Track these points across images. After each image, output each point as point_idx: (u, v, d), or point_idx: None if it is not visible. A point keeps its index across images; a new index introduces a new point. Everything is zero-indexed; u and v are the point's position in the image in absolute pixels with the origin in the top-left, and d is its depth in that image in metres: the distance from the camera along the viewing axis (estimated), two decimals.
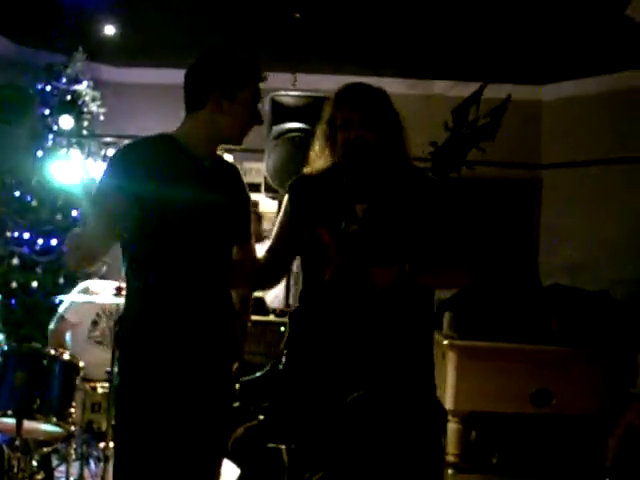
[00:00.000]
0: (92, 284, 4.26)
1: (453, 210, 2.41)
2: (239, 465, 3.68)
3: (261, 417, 2.93)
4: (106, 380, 3.61)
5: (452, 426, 4.83)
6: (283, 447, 2.44)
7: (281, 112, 4.54)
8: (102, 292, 4.06)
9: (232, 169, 2.41)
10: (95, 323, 4.06)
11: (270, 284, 2.67)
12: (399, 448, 2.28)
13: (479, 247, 2.51)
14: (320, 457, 2.05)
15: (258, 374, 3.47)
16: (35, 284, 5.93)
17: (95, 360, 3.63)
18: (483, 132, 2.16)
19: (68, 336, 4.06)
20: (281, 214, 2.52)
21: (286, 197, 2.52)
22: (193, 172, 2.24)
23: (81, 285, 4.29)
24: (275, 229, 2.53)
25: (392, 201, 2.36)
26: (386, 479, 2.30)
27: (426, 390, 2.42)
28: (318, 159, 2.45)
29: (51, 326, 4.07)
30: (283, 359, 2.48)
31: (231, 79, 2.21)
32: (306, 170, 2.50)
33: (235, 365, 2.41)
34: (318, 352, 2.17)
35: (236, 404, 3.53)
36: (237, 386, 2.87)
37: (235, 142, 2.31)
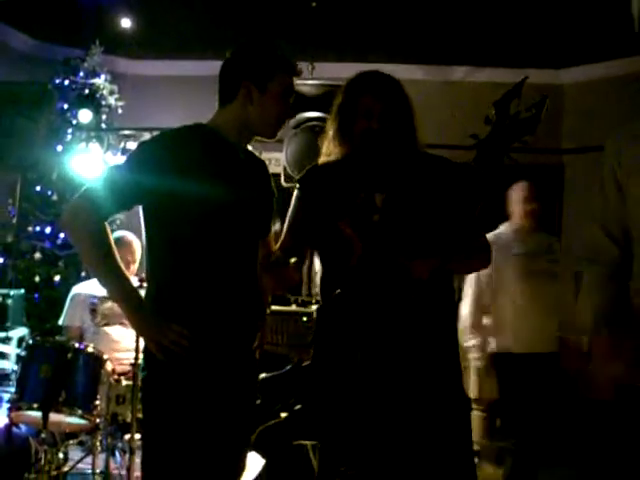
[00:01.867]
0: (78, 288, 4.39)
1: (472, 195, 2.38)
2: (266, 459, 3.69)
3: (284, 414, 2.92)
4: (124, 373, 3.68)
5: (477, 414, 4.82)
6: (309, 444, 2.42)
7: (300, 101, 4.52)
8: (90, 286, 4.18)
9: (262, 163, 2.41)
10: (93, 311, 4.12)
11: (289, 284, 2.60)
12: (430, 441, 2.25)
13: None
14: (353, 452, 2.02)
15: (279, 372, 3.46)
16: (58, 278, 5.98)
17: (111, 340, 3.67)
18: (525, 126, 2.10)
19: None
20: (292, 211, 2.46)
21: (296, 192, 2.47)
22: (232, 163, 2.24)
23: (72, 292, 4.38)
24: (286, 226, 2.46)
25: (410, 189, 2.32)
26: (418, 472, 2.28)
27: (455, 381, 2.39)
28: (331, 148, 2.42)
29: (63, 338, 4.15)
30: (311, 353, 2.46)
31: (261, 71, 2.20)
32: (319, 161, 2.46)
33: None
34: (351, 348, 2.13)
35: (257, 402, 3.53)
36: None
37: (267, 135, 2.29)
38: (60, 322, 4.33)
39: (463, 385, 2.45)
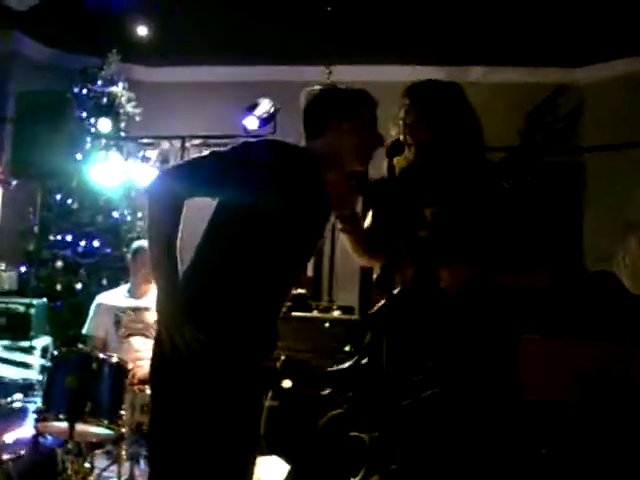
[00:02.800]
0: (103, 297, 4.37)
1: (526, 212, 2.36)
2: (321, 454, 3.68)
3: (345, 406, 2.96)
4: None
5: None
6: (366, 436, 2.43)
7: None
8: (114, 297, 4.20)
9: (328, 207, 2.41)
10: (117, 322, 4.14)
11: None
12: (473, 444, 2.25)
13: (555, 249, 2.45)
14: (396, 448, 2.03)
15: (345, 365, 3.48)
16: (79, 286, 6.01)
17: (134, 350, 3.69)
18: (561, 136, 2.11)
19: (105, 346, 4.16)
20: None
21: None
22: (321, 200, 2.26)
23: (96, 302, 4.37)
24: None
25: (461, 203, 2.30)
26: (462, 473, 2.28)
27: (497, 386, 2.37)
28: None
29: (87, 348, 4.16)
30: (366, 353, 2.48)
31: (349, 103, 2.25)
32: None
33: (280, 361, 2.42)
34: (398, 352, 2.13)
35: (326, 392, 3.54)
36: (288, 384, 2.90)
37: (358, 165, 2.30)
38: (84, 331, 4.32)
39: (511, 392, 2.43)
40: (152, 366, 2.23)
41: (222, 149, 2.24)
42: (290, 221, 2.14)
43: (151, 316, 4.01)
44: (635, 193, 6.13)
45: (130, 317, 4.08)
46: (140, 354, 4.01)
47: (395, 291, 2.25)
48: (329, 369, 2.89)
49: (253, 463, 2.31)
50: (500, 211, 2.31)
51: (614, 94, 6.47)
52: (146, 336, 4.03)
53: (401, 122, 2.35)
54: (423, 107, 2.33)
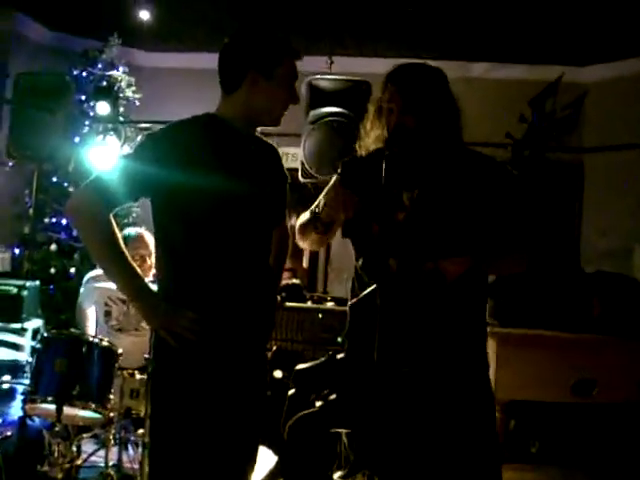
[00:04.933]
0: (93, 273, 4.34)
1: (512, 195, 2.34)
2: (294, 451, 3.67)
3: (318, 404, 2.94)
4: (140, 368, 3.65)
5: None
6: (343, 431, 2.42)
7: (318, 96, 4.50)
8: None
9: (272, 149, 2.36)
10: (108, 313, 4.10)
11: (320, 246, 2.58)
12: (458, 438, 2.27)
13: (540, 237, 2.44)
14: (379, 443, 2.02)
15: (314, 363, 3.47)
16: (73, 270, 5.98)
17: (122, 348, 3.63)
18: (563, 125, 2.11)
19: (92, 321, 4.10)
20: (330, 189, 2.47)
21: (336, 175, 2.47)
22: (242, 152, 2.20)
23: (88, 275, 4.35)
24: (323, 200, 2.45)
25: (440, 187, 2.29)
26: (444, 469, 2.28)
27: (486, 381, 2.40)
28: (368, 139, 2.40)
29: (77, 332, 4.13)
30: (345, 347, 2.46)
31: (267, 57, 2.15)
32: (358, 150, 2.44)
33: (272, 351, 2.39)
34: (381, 343, 2.11)
35: (292, 392, 3.52)
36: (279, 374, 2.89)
37: (273, 122, 2.24)
38: (78, 301, 4.28)
39: (490, 384, 2.44)
40: (153, 355, 2.22)
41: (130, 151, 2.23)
42: (209, 188, 2.08)
43: None
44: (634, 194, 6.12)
45: (122, 310, 4.03)
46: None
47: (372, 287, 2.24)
48: (297, 367, 2.88)
49: (255, 452, 2.29)
50: (480, 195, 2.29)
51: (617, 94, 6.45)
52: (137, 330, 3.99)
53: (385, 106, 2.31)
54: (408, 93, 2.29)
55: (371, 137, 2.37)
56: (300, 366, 2.85)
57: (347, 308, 2.39)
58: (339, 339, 3.82)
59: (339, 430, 2.44)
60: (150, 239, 4.17)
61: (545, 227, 2.44)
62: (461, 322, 2.30)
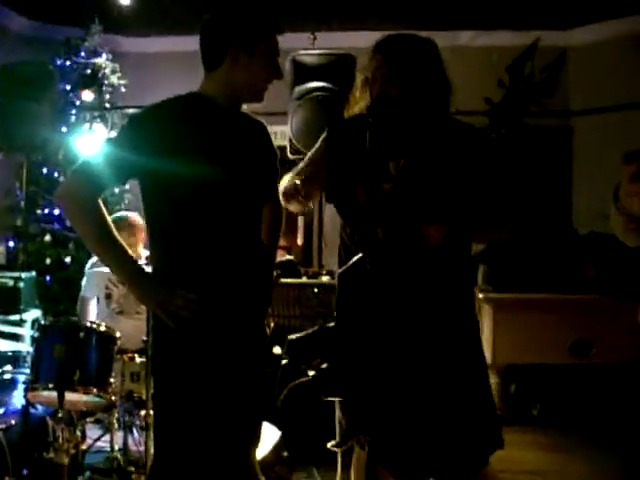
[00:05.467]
0: (95, 259, 4.33)
1: (494, 164, 2.36)
2: (287, 422, 3.71)
3: (311, 373, 2.96)
4: (139, 350, 3.67)
5: (491, 380, 4.80)
6: (337, 400, 2.45)
7: (302, 72, 4.48)
8: None
9: (259, 125, 2.34)
10: (109, 296, 4.11)
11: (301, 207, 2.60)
12: (451, 400, 2.30)
13: (523, 203, 2.46)
14: (374, 408, 2.04)
15: (305, 333, 3.49)
16: (68, 259, 5.99)
17: (122, 331, 3.66)
18: (541, 88, 2.12)
19: (93, 315, 4.11)
20: (315, 152, 2.48)
21: (323, 137, 2.47)
22: (228, 129, 2.19)
23: (90, 261, 4.36)
24: (306, 163, 2.47)
25: (426, 157, 2.30)
26: (437, 432, 2.31)
27: (477, 341, 2.45)
28: (355, 108, 2.40)
29: (74, 318, 4.15)
30: (334, 316, 2.48)
31: (248, 32, 2.13)
32: (345, 115, 2.45)
33: (270, 326, 2.40)
34: (371, 310, 2.14)
35: (284, 362, 3.54)
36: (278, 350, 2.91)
37: (256, 98, 2.23)
38: (81, 293, 4.29)
39: (481, 345, 2.48)
40: (152, 337, 2.23)
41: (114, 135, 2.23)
42: (196, 167, 2.07)
43: None
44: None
45: (121, 292, 4.04)
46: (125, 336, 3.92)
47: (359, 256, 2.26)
48: (289, 337, 2.90)
49: (259, 426, 2.31)
50: (465, 164, 2.31)
51: (603, 56, 6.44)
52: (138, 313, 4.01)
53: (370, 75, 2.32)
54: (393, 62, 2.29)
55: (359, 106, 2.38)
56: (292, 336, 2.87)
57: (336, 276, 2.41)
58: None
59: (332, 399, 2.46)
60: (140, 222, 4.17)
61: (525, 193, 2.46)
62: (447, 285, 2.34)
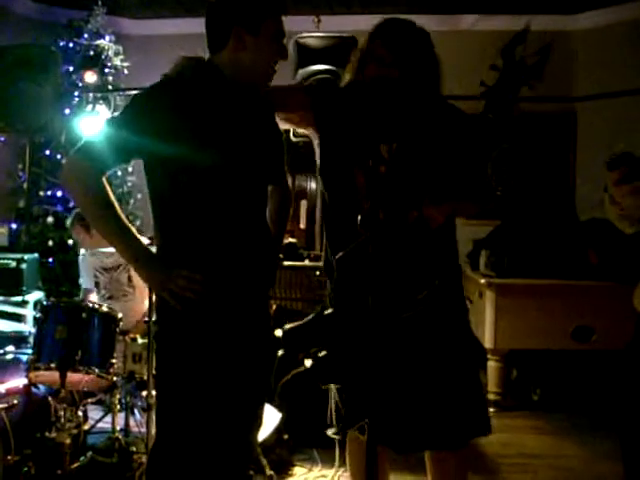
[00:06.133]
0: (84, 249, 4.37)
1: (471, 144, 2.38)
2: (288, 409, 3.72)
3: (308, 363, 2.95)
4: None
5: (492, 364, 4.83)
6: (334, 388, 2.46)
7: (306, 54, 4.45)
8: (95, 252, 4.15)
9: (268, 103, 2.31)
10: (97, 284, 4.11)
11: None
12: (439, 382, 2.34)
13: (488, 183, 2.54)
14: (371, 394, 2.05)
15: (301, 322, 3.48)
16: (71, 241, 5.99)
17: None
18: (532, 71, 2.14)
19: None
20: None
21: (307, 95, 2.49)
22: (239, 106, 2.16)
23: (80, 256, 4.38)
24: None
25: (418, 139, 2.32)
26: (428, 415, 2.34)
27: (466, 325, 2.48)
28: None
29: (77, 299, 4.18)
30: (329, 303, 2.48)
31: (253, 13, 2.10)
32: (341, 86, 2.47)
33: (272, 309, 2.40)
34: (371, 293, 2.14)
35: (280, 352, 3.54)
36: (280, 333, 2.90)
37: (262, 80, 2.19)
38: (80, 281, 4.37)
39: (471, 329, 2.50)
40: (157, 317, 2.22)
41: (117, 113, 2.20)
42: (203, 145, 2.06)
43: (123, 275, 4.01)
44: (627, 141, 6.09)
45: (107, 279, 4.04)
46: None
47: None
48: (284, 327, 2.90)
49: (261, 409, 2.31)
50: (448, 145, 2.34)
51: (608, 41, 6.40)
52: (125, 295, 4.02)
53: (367, 58, 2.33)
54: (397, 46, 2.30)
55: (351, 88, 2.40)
56: (288, 326, 2.87)
57: (334, 262, 2.40)
58: None
59: (331, 386, 2.47)
60: None
61: (485, 172, 2.49)
62: (443, 264, 2.38)
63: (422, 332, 2.33)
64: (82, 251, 4.37)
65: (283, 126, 2.39)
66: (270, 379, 2.43)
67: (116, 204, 2.09)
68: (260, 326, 2.25)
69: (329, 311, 2.43)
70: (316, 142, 2.46)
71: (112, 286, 4.05)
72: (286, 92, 2.41)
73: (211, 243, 2.12)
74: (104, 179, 2.09)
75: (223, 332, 2.13)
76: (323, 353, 2.43)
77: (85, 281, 4.25)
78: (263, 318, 2.28)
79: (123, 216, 2.10)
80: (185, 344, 2.12)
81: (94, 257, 4.07)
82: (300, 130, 2.50)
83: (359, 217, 2.28)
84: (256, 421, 2.30)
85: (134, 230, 2.12)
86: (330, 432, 2.52)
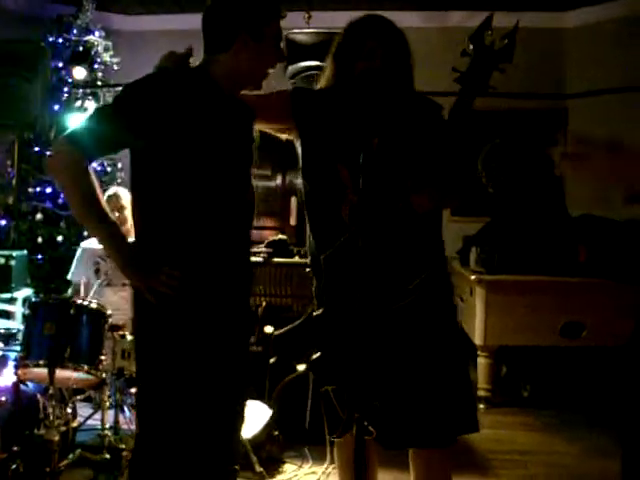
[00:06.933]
0: (86, 243, 4.43)
1: (452, 136, 2.39)
2: (286, 413, 3.71)
3: (301, 367, 2.94)
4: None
5: (482, 361, 4.83)
6: (329, 388, 2.45)
7: (296, 51, 4.45)
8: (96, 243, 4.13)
9: (250, 112, 2.32)
10: (97, 271, 4.15)
11: None
12: (426, 380, 2.34)
13: (468, 174, 2.55)
14: (360, 392, 2.05)
15: (291, 326, 3.47)
16: (60, 238, 5.96)
17: (110, 303, 3.65)
18: (501, 54, 2.18)
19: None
20: (279, 99, 2.48)
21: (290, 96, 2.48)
22: (225, 114, 2.18)
23: (79, 249, 4.40)
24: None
25: (402, 131, 2.33)
26: (419, 409, 2.34)
27: (451, 320, 2.49)
28: (324, 82, 2.44)
29: (65, 295, 4.17)
30: (316, 302, 2.48)
31: (257, 17, 2.12)
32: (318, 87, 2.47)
33: (262, 307, 2.39)
34: (361, 289, 2.13)
35: (273, 360, 3.53)
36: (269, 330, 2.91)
37: (256, 85, 2.23)
38: (68, 276, 4.40)
39: (458, 322, 2.52)
40: (135, 313, 2.21)
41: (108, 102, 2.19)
42: (191, 145, 2.07)
43: None
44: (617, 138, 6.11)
45: (109, 265, 4.06)
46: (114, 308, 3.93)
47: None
48: (274, 334, 2.90)
49: (243, 405, 2.31)
50: (428, 136, 2.33)
51: (599, 38, 6.42)
52: (124, 284, 4.01)
53: (347, 53, 2.35)
54: (381, 41, 2.34)
55: (328, 82, 2.43)
56: (277, 332, 2.87)
57: (321, 261, 2.39)
58: None
59: (327, 388, 2.46)
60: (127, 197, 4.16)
61: (465, 162, 2.50)
62: (431, 253, 2.40)
63: (413, 324, 2.33)
64: (83, 244, 4.39)
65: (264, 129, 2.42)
66: (250, 374, 2.42)
67: (100, 193, 2.09)
68: (240, 322, 2.25)
69: (319, 312, 2.42)
70: (298, 143, 2.47)
71: (113, 273, 4.06)
72: (265, 99, 2.42)
73: (191, 237, 2.12)
74: (89, 167, 2.08)
75: (201, 328, 2.12)
76: (317, 355, 2.43)
77: (79, 273, 4.26)
78: (243, 314, 2.28)
79: (106, 206, 2.11)
80: (162, 340, 2.11)
81: (94, 244, 4.10)
82: (284, 136, 2.50)
83: (347, 211, 2.29)
84: (238, 416, 2.30)
85: (114, 219, 2.13)
86: (332, 437, 2.51)
